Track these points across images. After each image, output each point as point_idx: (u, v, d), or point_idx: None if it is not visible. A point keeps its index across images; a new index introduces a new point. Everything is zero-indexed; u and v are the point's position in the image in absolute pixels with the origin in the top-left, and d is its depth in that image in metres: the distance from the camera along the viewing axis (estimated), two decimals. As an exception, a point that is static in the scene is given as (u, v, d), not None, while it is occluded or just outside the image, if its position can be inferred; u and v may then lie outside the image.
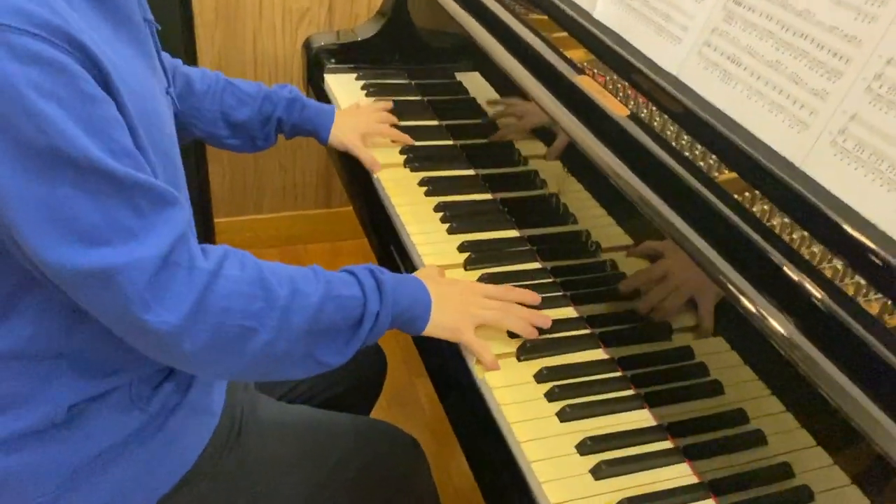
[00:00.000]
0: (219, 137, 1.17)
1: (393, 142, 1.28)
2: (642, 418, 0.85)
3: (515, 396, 0.85)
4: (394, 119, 1.31)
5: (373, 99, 1.38)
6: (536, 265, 1.05)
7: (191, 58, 1.67)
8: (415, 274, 0.94)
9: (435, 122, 1.36)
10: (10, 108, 0.61)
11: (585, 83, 0.97)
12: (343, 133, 1.22)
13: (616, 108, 0.92)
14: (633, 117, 0.91)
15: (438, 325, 0.89)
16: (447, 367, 0.93)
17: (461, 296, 0.92)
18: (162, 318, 0.69)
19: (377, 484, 1.02)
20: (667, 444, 0.82)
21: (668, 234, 0.80)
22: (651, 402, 0.86)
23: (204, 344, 0.73)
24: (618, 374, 0.90)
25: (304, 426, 1.00)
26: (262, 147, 1.21)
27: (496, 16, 1.16)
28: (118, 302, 0.68)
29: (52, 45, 0.62)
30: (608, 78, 0.99)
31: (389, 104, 1.33)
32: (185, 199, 0.84)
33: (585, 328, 0.95)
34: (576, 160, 0.97)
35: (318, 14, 1.97)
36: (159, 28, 0.87)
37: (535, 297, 0.96)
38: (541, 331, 0.92)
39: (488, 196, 1.19)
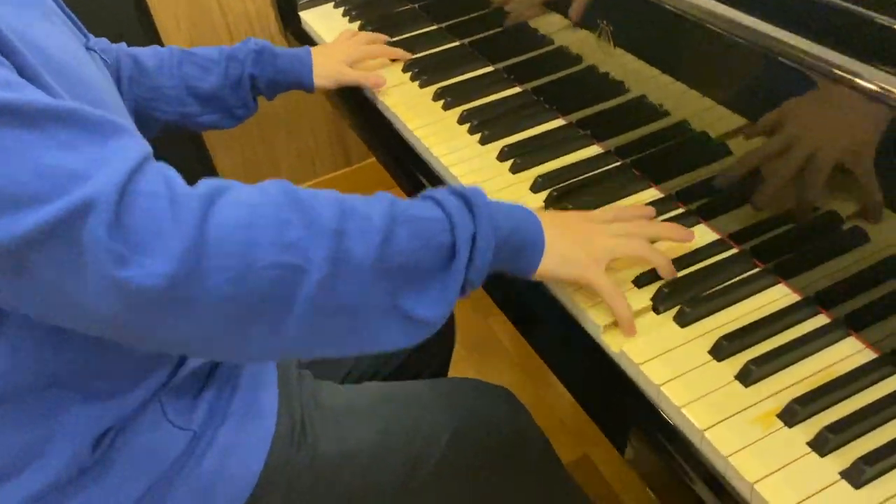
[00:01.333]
0: (190, 116, 0.99)
1: (393, 61, 1.09)
2: (780, 295, 0.67)
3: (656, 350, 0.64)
4: (381, 37, 1.13)
5: (356, 24, 1.20)
6: (597, 149, 0.87)
7: (155, 39, 1.50)
8: None
9: (434, 27, 1.17)
10: None
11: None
12: (326, 69, 1.03)
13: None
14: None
15: (559, 258, 0.65)
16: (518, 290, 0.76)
17: (578, 223, 0.69)
18: (148, 270, 0.48)
19: (478, 447, 0.88)
20: (822, 319, 0.64)
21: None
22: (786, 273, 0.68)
23: (228, 295, 0.50)
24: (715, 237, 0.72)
25: (381, 404, 0.85)
26: (242, 116, 1.03)
27: None
28: (81, 271, 0.49)
29: None
30: None
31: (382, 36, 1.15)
32: None
33: (678, 207, 0.77)
34: (611, 11, 0.78)
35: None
36: None
37: (651, 210, 0.75)
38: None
39: (517, 89, 1.00)
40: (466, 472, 0.86)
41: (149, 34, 1.48)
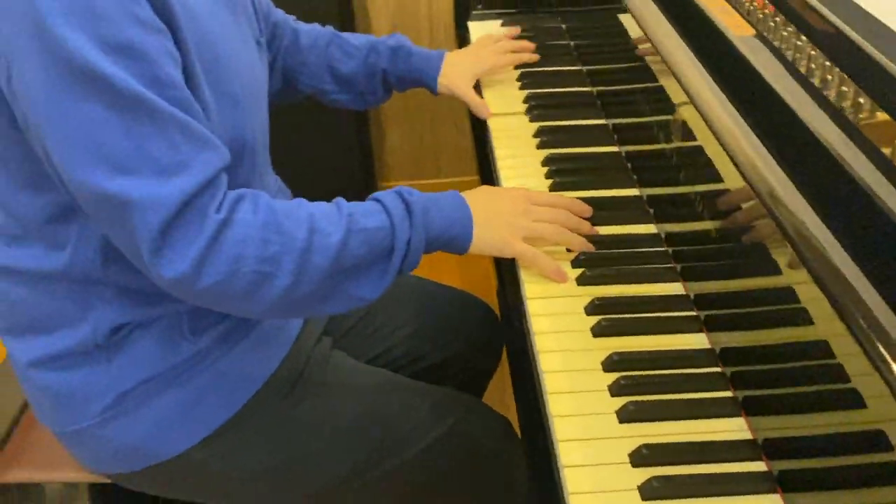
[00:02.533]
0: (326, 92, 1.10)
1: (516, 68, 1.17)
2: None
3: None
4: (527, 45, 1.18)
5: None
6: (653, 229, 0.87)
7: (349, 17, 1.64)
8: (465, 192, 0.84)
9: (577, 67, 1.19)
10: (52, 19, 0.61)
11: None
12: (451, 78, 1.10)
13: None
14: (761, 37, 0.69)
15: (484, 241, 0.80)
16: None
17: (511, 204, 0.83)
18: (171, 265, 0.67)
19: (454, 466, 0.91)
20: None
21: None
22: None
23: (218, 290, 0.70)
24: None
25: (378, 390, 0.92)
26: (372, 103, 1.13)
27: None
28: (130, 239, 0.67)
29: None
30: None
31: (516, 30, 1.21)
32: (247, 157, 0.80)
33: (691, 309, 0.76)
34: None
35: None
36: None
37: (586, 208, 0.86)
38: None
39: (614, 148, 1.01)
40: (419, 487, 0.90)
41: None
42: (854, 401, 0.49)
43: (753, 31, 0.71)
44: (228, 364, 0.83)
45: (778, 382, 0.62)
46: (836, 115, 0.59)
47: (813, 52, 0.65)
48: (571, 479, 0.61)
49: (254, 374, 0.85)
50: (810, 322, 0.55)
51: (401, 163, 2.10)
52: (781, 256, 0.58)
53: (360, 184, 1.77)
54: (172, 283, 0.69)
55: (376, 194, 0.79)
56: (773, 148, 0.61)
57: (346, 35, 1.10)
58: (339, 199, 0.77)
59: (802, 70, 0.64)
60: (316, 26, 1.10)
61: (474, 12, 1.37)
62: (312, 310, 0.78)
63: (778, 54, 0.67)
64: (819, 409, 0.55)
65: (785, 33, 0.69)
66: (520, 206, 0.82)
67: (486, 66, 1.14)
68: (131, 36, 0.64)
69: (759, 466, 0.61)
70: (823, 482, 0.55)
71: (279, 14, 1.08)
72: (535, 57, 1.16)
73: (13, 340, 0.82)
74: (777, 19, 0.71)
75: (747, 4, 0.75)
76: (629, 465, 0.62)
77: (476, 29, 1.34)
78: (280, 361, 0.87)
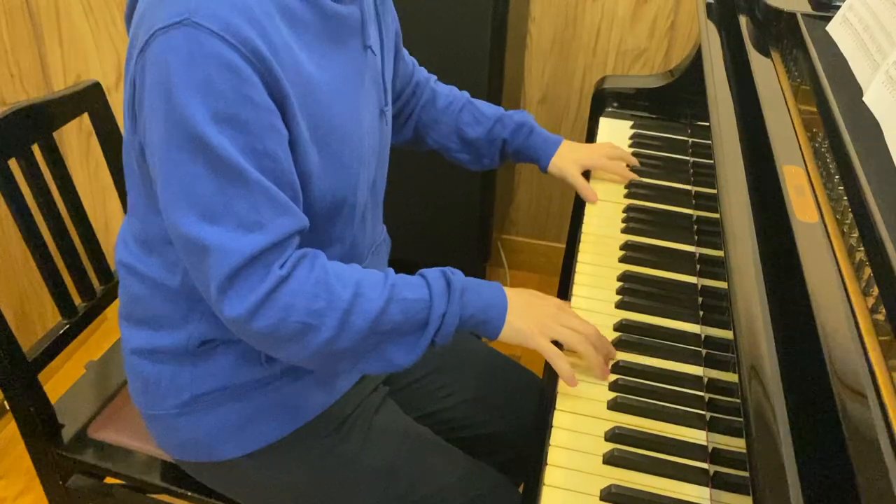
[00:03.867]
0: (449, 150, 1.22)
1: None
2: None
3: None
4: (629, 159, 1.25)
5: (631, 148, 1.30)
6: (699, 371, 0.90)
7: (510, 83, 1.74)
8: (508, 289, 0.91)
9: (687, 187, 1.23)
10: (183, 91, 0.72)
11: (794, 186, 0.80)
12: (563, 163, 1.20)
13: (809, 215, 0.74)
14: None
15: (514, 330, 0.88)
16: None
17: (544, 308, 0.90)
18: (232, 306, 0.78)
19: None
20: None
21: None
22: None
23: (267, 332, 0.80)
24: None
25: (411, 444, 1.00)
26: (487, 166, 1.24)
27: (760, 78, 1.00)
28: (204, 277, 0.79)
29: (237, 53, 0.73)
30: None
31: (634, 160, 1.26)
32: (346, 212, 0.91)
33: (704, 461, 0.79)
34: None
35: (654, 56, 1.90)
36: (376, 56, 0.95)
37: (612, 351, 0.91)
38: None
39: (692, 279, 1.04)
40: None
41: (515, 78, 1.72)
42: None
43: (817, 218, 0.73)
44: (290, 394, 0.95)
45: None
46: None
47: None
48: None
49: (309, 407, 0.97)
50: None
51: (523, 220, 2.18)
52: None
53: (476, 231, 1.85)
54: (230, 320, 0.80)
55: (423, 271, 0.87)
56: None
57: (478, 102, 1.21)
58: (389, 270, 0.87)
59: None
60: (454, 90, 1.22)
61: (608, 109, 1.43)
62: (349, 365, 0.85)
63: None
64: None
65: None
66: (552, 311, 0.90)
67: (595, 164, 1.22)
68: (241, 113, 0.74)
69: None
70: None
71: (422, 73, 1.20)
72: (634, 176, 1.23)
73: (127, 326, 0.98)
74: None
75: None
76: None
77: (605, 125, 1.40)
78: (335, 401, 0.98)
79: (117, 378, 1.19)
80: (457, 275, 0.88)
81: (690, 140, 1.34)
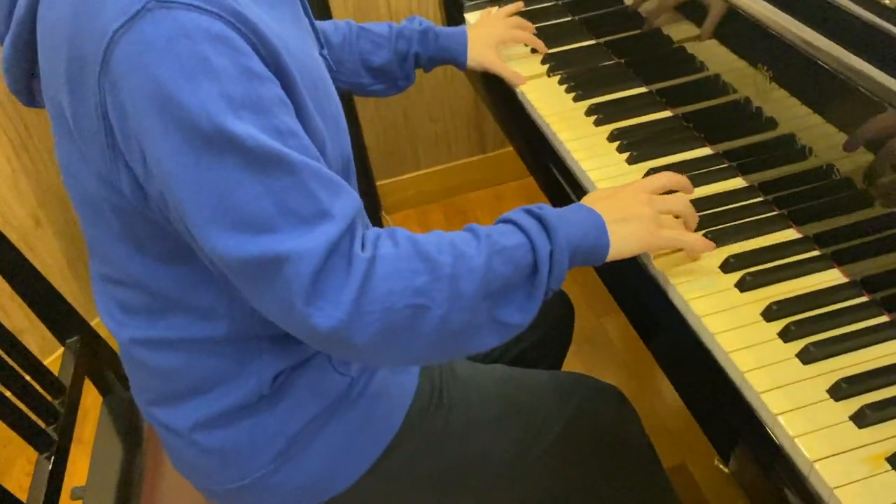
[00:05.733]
0: (362, 86, 1.14)
1: (533, 51, 1.22)
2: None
3: (728, 322, 0.75)
4: (529, 25, 1.24)
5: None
6: (742, 182, 0.92)
7: (325, 14, 1.63)
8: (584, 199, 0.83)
9: (593, 41, 1.24)
10: (173, 87, 0.58)
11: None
12: (478, 52, 1.15)
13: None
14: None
15: (624, 241, 0.77)
16: (640, 296, 0.84)
17: (634, 198, 0.81)
18: (326, 313, 0.64)
19: (586, 440, 0.96)
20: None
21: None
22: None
23: (376, 333, 0.66)
24: (844, 280, 0.77)
25: (505, 384, 0.96)
26: (403, 87, 1.17)
27: None
28: (283, 295, 0.64)
29: (221, 20, 0.60)
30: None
31: (520, 4, 1.26)
32: (352, 169, 0.81)
33: (813, 249, 0.82)
34: (765, 47, 0.83)
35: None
36: None
37: (686, 182, 0.86)
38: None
39: (668, 113, 1.06)
40: (572, 462, 0.94)
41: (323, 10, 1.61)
42: None
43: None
44: (377, 388, 0.85)
45: None
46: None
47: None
48: (789, 424, 0.66)
49: (401, 393, 0.88)
50: None
51: (381, 161, 2.11)
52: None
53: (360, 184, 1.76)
54: (329, 333, 0.65)
55: (503, 216, 0.77)
56: None
57: (370, 25, 1.13)
58: (472, 224, 0.75)
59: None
60: (336, 22, 1.12)
61: (468, 3, 1.39)
62: (469, 343, 0.72)
63: None
64: None
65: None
66: (643, 197, 0.81)
67: (504, 38, 1.19)
68: (250, 89, 0.61)
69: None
70: None
71: None
72: (545, 49, 1.22)
73: (170, 410, 0.82)
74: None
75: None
76: (832, 401, 0.68)
77: (473, 18, 1.36)
78: (418, 377, 0.90)
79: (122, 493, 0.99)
80: (544, 209, 0.76)
81: (561, 1, 1.35)
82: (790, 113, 0.83)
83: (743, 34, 0.88)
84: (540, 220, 0.75)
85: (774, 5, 0.82)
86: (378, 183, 2.08)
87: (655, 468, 1.02)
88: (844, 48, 0.74)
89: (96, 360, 1.11)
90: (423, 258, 0.68)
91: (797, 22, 0.79)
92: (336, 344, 0.67)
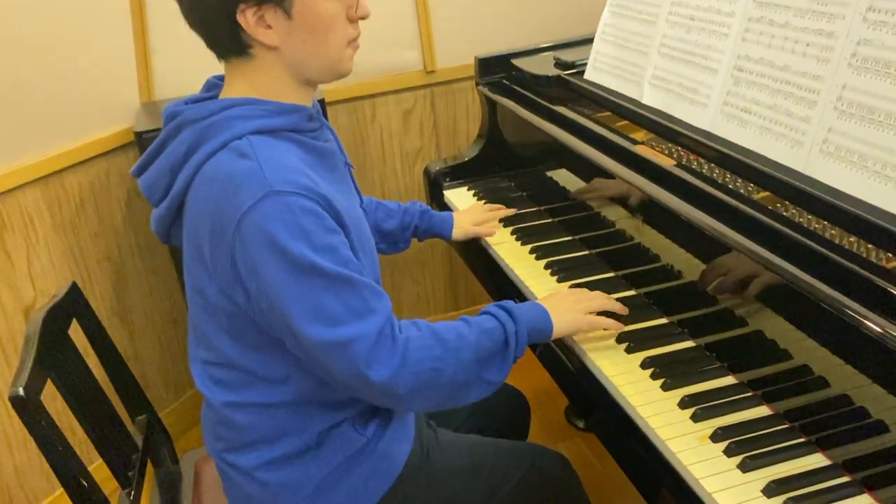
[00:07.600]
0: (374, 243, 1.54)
1: (500, 221, 1.66)
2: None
3: (632, 384, 1.12)
4: (499, 207, 1.69)
5: (483, 201, 1.76)
6: (631, 292, 1.35)
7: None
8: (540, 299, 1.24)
9: (535, 208, 1.71)
10: (288, 240, 0.94)
11: (643, 150, 1.30)
12: (461, 226, 1.60)
13: (666, 162, 1.24)
14: (681, 166, 1.22)
15: (562, 324, 1.17)
16: (575, 380, 1.22)
17: (567, 297, 1.23)
18: (379, 373, 0.99)
19: (535, 493, 1.28)
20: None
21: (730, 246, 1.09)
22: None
23: (411, 386, 1.02)
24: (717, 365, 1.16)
25: (476, 447, 1.29)
26: (402, 249, 1.58)
27: (571, 119, 1.52)
28: (350, 364, 0.98)
29: (310, 200, 0.96)
30: (665, 146, 1.31)
31: (501, 208, 1.72)
32: (380, 283, 1.13)
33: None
34: (648, 209, 1.28)
35: (428, 150, 2.40)
36: (354, 167, 1.26)
37: (618, 305, 1.25)
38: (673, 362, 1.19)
39: (585, 252, 1.50)
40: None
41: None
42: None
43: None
44: (384, 447, 1.17)
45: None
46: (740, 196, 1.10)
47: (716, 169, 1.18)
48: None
49: (400, 451, 1.20)
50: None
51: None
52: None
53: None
54: (382, 385, 0.99)
55: (484, 308, 1.14)
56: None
57: (384, 202, 1.56)
58: (465, 315, 1.12)
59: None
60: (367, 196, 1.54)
61: (447, 184, 1.88)
62: (465, 395, 1.06)
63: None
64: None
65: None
66: (574, 296, 1.23)
67: (481, 218, 1.64)
68: (328, 240, 0.97)
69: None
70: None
71: None
72: (512, 211, 1.68)
73: (240, 454, 1.12)
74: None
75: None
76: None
77: (451, 195, 1.83)
78: (413, 438, 1.23)
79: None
80: (509, 303, 1.14)
81: (512, 184, 1.84)
82: (667, 251, 1.27)
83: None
84: (508, 311, 1.13)
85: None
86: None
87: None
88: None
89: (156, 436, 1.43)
90: (437, 338, 1.05)
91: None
92: (386, 393, 1.01)
